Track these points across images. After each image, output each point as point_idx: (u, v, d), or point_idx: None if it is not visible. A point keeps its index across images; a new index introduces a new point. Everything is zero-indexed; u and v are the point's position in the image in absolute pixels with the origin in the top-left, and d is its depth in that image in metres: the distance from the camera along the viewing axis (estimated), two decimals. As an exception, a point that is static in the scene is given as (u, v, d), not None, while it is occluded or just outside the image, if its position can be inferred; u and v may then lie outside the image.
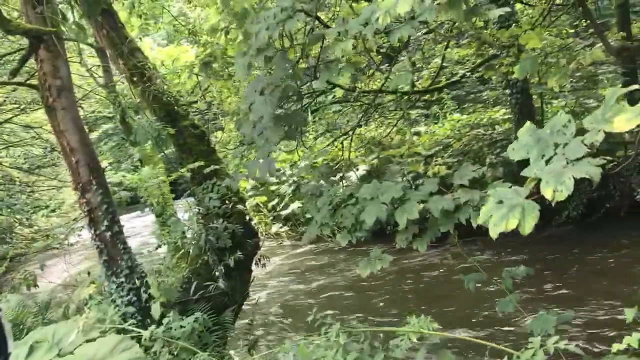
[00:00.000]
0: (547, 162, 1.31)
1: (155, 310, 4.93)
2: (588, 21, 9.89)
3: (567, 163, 1.25)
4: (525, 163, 1.48)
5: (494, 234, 1.44)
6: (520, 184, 1.58)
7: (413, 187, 2.81)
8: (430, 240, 2.89)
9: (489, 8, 2.84)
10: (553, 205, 1.31)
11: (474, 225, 2.44)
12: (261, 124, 3.09)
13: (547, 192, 1.27)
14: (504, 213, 1.39)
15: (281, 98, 3.17)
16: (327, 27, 3.38)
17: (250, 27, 3.08)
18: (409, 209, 2.62)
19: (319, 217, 3.15)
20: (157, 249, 6.60)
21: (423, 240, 2.80)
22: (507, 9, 2.75)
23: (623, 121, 1.25)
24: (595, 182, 1.25)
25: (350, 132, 7.70)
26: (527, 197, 1.42)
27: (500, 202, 1.42)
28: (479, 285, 3.55)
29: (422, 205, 2.68)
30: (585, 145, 1.27)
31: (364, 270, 2.94)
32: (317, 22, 3.65)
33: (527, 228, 1.36)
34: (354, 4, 6.66)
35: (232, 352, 3.94)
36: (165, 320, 4.68)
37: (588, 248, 9.09)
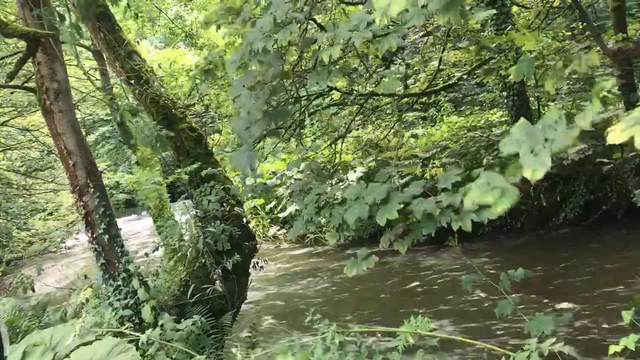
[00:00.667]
0: (536, 156, 1.35)
1: (146, 313, 4.92)
2: (584, 23, 9.94)
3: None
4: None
5: (468, 202, 1.49)
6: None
7: (400, 188, 2.83)
8: (430, 242, 2.90)
9: (475, 10, 2.85)
10: (533, 181, 1.36)
11: (454, 228, 2.46)
12: (247, 118, 3.12)
13: (527, 173, 1.32)
14: (485, 190, 1.44)
15: (270, 95, 3.18)
16: (323, 29, 3.39)
17: (246, 35, 3.08)
18: (390, 209, 2.64)
19: (305, 213, 3.17)
20: (154, 252, 6.59)
21: (405, 242, 2.81)
22: (492, 11, 2.76)
23: (617, 132, 1.25)
24: (571, 144, 1.28)
25: (345, 134, 7.71)
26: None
27: (487, 183, 1.47)
28: (477, 286, 3.56)
29: (402, 206, 2.69)
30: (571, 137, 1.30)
31: (350, 270, 2.95)
32: (313, 24, 3.65)
33: (499, 208, 1.41)
34: (349, 8, 6.68)
35: (234, 350, 3.94)
36: (161, 322, 4.68)
37: (585, 250, 9.11)
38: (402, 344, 2.83)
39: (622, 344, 2.57)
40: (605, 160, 9.43)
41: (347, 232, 2.96)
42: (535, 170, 1.29)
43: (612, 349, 2.62)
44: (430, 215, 2.61)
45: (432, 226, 2.64)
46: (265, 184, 15.19)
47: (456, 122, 14.30)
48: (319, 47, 3.34)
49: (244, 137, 3.12)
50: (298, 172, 12.60)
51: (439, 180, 2.77)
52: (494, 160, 10.99)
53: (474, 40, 7.86)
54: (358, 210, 2.73)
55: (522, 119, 1.44)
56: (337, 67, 3.07)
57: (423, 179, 11.22)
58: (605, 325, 6.31)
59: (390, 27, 2.78)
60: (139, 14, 9.99)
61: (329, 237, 3.11)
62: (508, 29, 8.46)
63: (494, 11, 2.76)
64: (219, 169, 6.54)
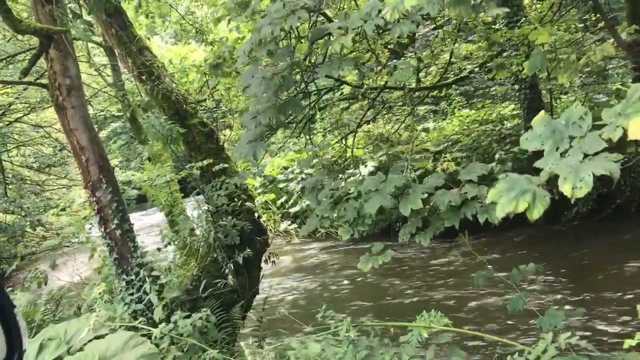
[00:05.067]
0: (562, 154, 1.28)
1: (157, 313, 4.93)
2: (598, 15, 9.82)
3: (584, 157, 1.23)
4: (536, 157, 1.46)
5: (500, 213, 1.42)
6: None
7: (417, 181, 2.81)
8: (440, 237, 2.88)
9: (489, 7, 2.81)
10: (573, 201, 1.29)
11: (481, 221, 2.42)
12: (256, 109, 3.10)
13: (565, 188, 1.24)
14: (514, 196, 1.36)
15: (280, 85, 3.16)
16: (331, 20, 3.37)
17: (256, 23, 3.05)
18: (413, 199, 2.61)
19: (319, 210, 3.16)
20: (166, 246, 6.63)
21: (426, 234, 2.79)
22: (506, 9, 2.73)
23: (639, 127, 1.21)
24: (615, 178, 1.22)
25: (356, 128, 7.71)
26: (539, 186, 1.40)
27: (512, 187, 1.39)
28: (488, 282, 3.55)
29: (425, 195, 2.66)
30: (603, 139, 1.24)
31: (365, 265, 2.94)
32: (322, 17, 3.63)
33: (536, 213, 1.34)
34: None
35: (242, 344, 3.96)
36: (173, 318, 4.71)
37: (598, 244, 9.03)
38: (415, 339, 2.83)
39: (637, 338, 2.55)
40: (620, 155, 9.32)
41: (362, 227, 2.94)
42: (576, 188, 1.21)
43: (627, 343, 2.60)
44: (453, 207, 2.58)
45: (456, 218, 2.61)
46: (274, 178, 15.23)
47: (467, 116, 14.21)
48: (328, 39, 3.32)
49: (250, 126, 3.11)
50: (310, 167, 12.60)
51: (461, 173, 2.73)
52: (507, 154, 10.92)
53: (484, 35, 7.80)
54: (379, 200, 2.70)
55: (542, 112, 1.39)
56: (349, 57, 3.03)
57: (435, 172, 11.17)
58: (619, 319, 6.26)
59: (401, 20, 2.75)
60: (149, 14, 10.01)
61: (342, 232, 3.10)
62: (521, 22, 8.38)
63: (507, 10, 2.73)
64: (230, 164, 6.55)
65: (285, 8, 2.82)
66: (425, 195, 2.63)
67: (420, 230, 2.84)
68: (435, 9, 2.34)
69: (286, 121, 3.49)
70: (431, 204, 2.72)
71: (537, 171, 1.39)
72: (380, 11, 2.56)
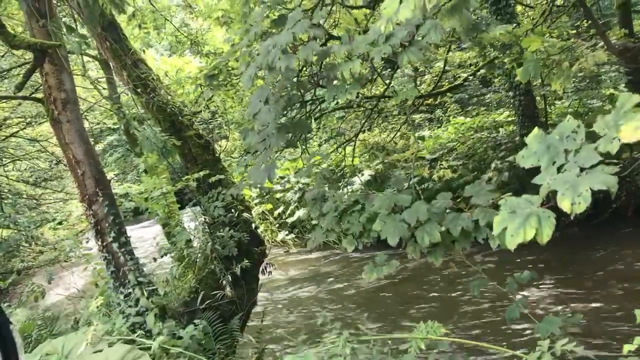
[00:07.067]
0: (559, 169, 1.28)
1: (150, 320, 4.90)
2: (589, 21, 9.89)
3: (581, 171, 1.23)
4: (533, 168, 1.46)
5: (512, 245, 1.41)
6: (527, 186, 1.56)
7: (420, 191, 2.81)
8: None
9: (490, 23, 2.83)
10: (571, 217, 1.29)
11: (493, 247, 2.41)
12: (265, 131, 3.09)
13: (564, 205, 1.24)
14: (520, 223, 1.35)
15: (285, 107, 3.16)
16: (331, 35, 3.37)
17: (260, 53, 3.02)
18: (430, 230, 2.61)
19: (324, 222, 3.14)
20: (162, 257, 6.60)
21: (437, 253, 2.78)
22: (509, 27, 2.75)
23: (630, 130, 1.22)
24: (612, 193, 1.22)
25: (354, 138, 7.73)
26: (540, 205, 1.39)
27: (513, 212, 1.39)
28: (486, 289, 3.54)
29: (443, 228, 2.65)
30: (598, 152, 1.24)
31: (370, 275, 2.93)
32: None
33: (545, 237, 1.33)
34: (353, 11, 6.68)
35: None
36: (170, 329, 4.68)
37: (595, 249, 9.04)
38: (414, 351, 2.82)
39: (635, 343, 2.55)
40: (614, 161, 9.35)
41: (367, 239, 2.93)
42: (574, 204, 1.22)
43: (626, 348, 2.59)
44: (465, 231, 2.58)
45: (467, 242, 2.60)
46: (270, 188, 15.22)
47: (463, 123, 14.27)
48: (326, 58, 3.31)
49: (261, 149, 3.09)
50: (306, 176, 12.58)
51: (466, 190, 2.71)
52: (502, 164, 10.95)
53: (476, 40, 7.84)
54: (394, 227, 2.69)
55: (535, 129, 1.40)
56: (353, 81, 3.02)
57: (432, 180, 11.17)
58: (617, 324, 6.26)
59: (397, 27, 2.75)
60: (143, 25, 10.02)
61: (346, 244, 3.09)
62: (514, 28, 8.43)
63: (510, 27, 2.75)
64: (226, 175, 6.55)
65: (296, 38, 2.80)
66: (443, 228, 2.62)
67: (431, 248, 2.83)
68: (439, 35, 2.34)
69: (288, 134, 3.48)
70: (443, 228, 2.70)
71: (537, 187, 1.38)
72: (387, 38, 2.56)
